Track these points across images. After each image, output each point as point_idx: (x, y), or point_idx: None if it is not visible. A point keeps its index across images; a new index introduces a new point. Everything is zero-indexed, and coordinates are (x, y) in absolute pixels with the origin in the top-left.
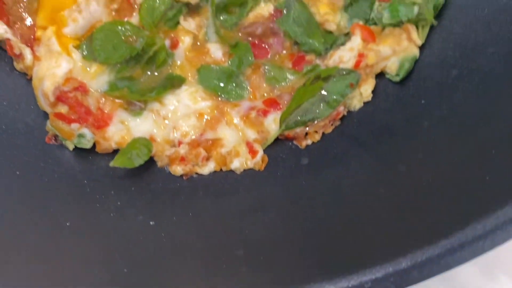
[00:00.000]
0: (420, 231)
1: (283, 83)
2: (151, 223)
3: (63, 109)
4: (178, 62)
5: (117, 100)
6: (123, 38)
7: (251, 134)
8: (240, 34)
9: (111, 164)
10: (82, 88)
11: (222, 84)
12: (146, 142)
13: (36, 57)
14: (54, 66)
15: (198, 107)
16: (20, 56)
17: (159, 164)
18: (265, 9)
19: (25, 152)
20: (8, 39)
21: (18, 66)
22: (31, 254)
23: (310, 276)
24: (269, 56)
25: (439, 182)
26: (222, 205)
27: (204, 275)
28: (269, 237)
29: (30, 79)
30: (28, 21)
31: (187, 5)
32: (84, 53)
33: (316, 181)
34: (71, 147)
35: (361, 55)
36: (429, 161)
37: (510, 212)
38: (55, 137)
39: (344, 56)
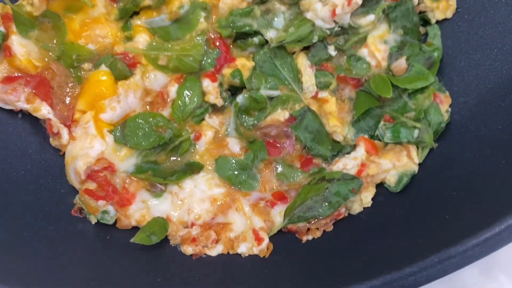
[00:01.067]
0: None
1: (291, 180)
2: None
3: (91, 186)
4: (199, 151)
5: (141, 182)
6: (153, 127)
7: (258, 222)
8: (257, 133)
9: (132, 240)
10: (110, 168)
11: (236, 175)
12: (164, 222)
13: (72, 137)
14: (88, 147)
15: (212, 193)
16: (58, 135)
17: (172, 242)
18: (281, 115)
19: (50, 220)
20: (49, 119)
21: (54, 142)
22: None
23: None
24: (281, 155)
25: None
26: None
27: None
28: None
29: (62, 155)
30: (67, 101)
31: (213, 105)
32: (116, 137)
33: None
34: (93, 221)
35: (363, 165)
36: None
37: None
38: (80, 210)
39: (348, 164)
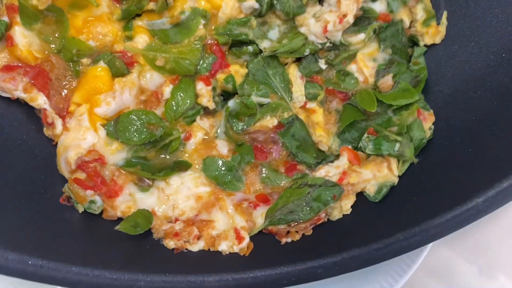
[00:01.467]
0: None
1: (275, 184)
2: None
3: (81, 176)
4: (188, 150)
5: (129, 175)
6: (146, 124)
7: (240, 221)
8: (246, 137)
9: (116, 228)
10: (101, 160)
11: (222, 175)
12: (149, 215)
13: (65, 128)
14: (81, 139)
15: (198, 191)
16: (52, 125)
17: (155, 235)
18: (270, 122)
19: (38, 206)
20: (45, 109)
21: (47, 132)
22: None
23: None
24: (267, 160)
25: None
26: None
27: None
28: None
29: (54, 145)
30: (63, 93)
31: (205, 108)
32: (109, 131)
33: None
34: (80, 210)
35: (344, 173)
36: None
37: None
38: (68, 198)
39: (330, 171)
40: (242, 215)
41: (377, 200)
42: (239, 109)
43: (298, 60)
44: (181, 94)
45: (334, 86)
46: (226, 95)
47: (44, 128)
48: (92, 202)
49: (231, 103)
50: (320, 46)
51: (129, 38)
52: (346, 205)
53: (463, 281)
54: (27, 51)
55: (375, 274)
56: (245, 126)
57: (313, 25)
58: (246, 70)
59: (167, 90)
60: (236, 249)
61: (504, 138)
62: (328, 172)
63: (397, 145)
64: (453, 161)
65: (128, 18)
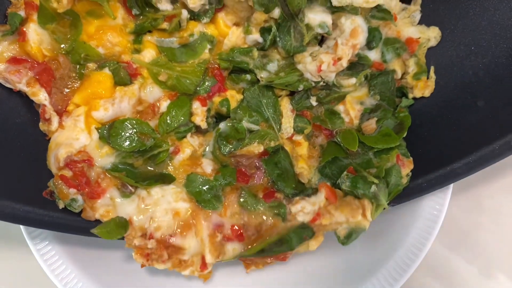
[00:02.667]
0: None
1: (251, 208)
2: None
3: (67, 173)
4: (175, 164)
5: (113, 180)
6: (138, 133)
7: (209, 256)
8: (232, 160)
9: (92, 231)
10: (89, 162)
11: (203, 192)
12: (125, 223)
13: (61, 125)
14: (74, 138)
15: (177, 206)
16: (48, 121)
17: (127, 245)
18: (256, 148)
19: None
20: (44, 105)
21: (43, 127)
22: None
23: None
24: (248, 184)
25: None
26: None
27: None
28: None
29: (47, 140)
30: (64, 92)
31: (198, 127)
32: (102, 135)
33: None
34: (61, 206)
35: (318, 214)
36: None
37: None
38: (51, 193)
39: (306, 207)
40: (213, 249)
41: (344, 245)
42: (229, 132)
43: (291, 94)
44: (177, 110)
45: (322, 123)
46: (219, 118)
47: (40, 123)
48: (73, 200)
49: (222, 125)
50: (313, 84)
51: (137, 51)
52: (313, 246)
53: (463, 281)
54: (37, 48)
55: (376, 273)
56: (232, 149)
57: (309, 63)
58: (241, 96)
59: (164, 105)
60: (197, 274)
61: (456, 128)
62: (304, 208)
63: (373, 187)
64: (410, 141)
65: (140, 32)
